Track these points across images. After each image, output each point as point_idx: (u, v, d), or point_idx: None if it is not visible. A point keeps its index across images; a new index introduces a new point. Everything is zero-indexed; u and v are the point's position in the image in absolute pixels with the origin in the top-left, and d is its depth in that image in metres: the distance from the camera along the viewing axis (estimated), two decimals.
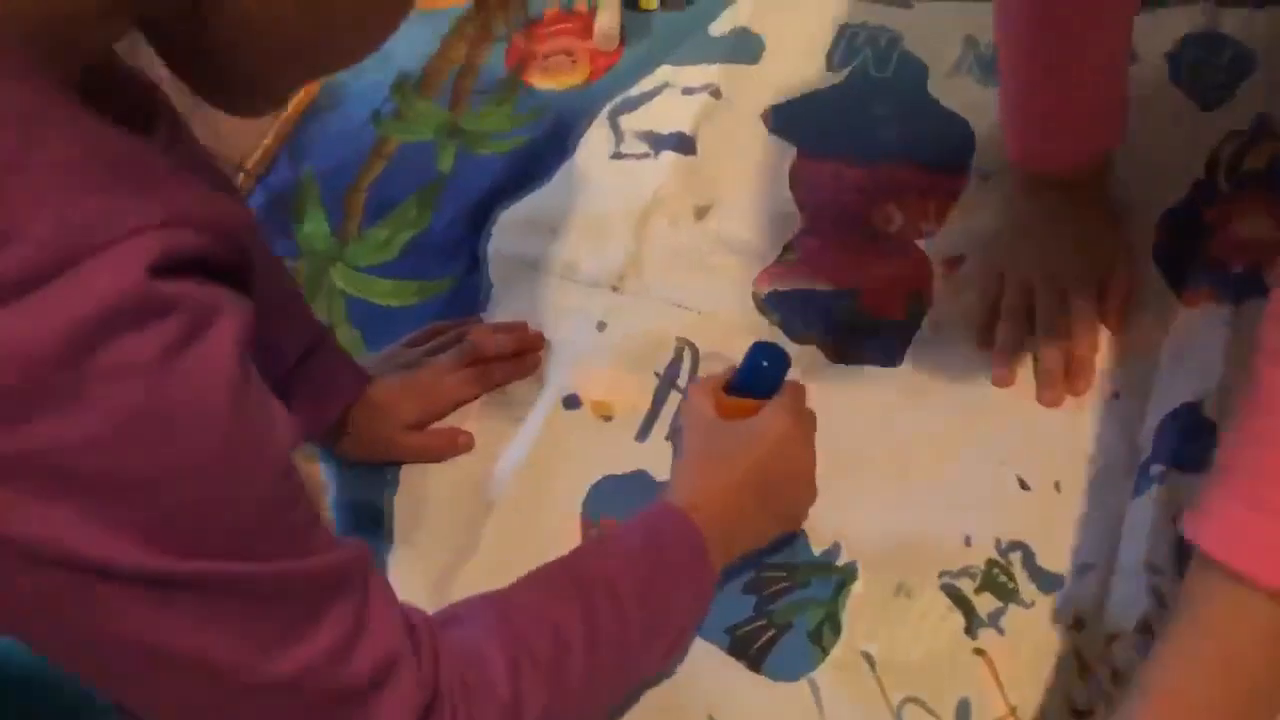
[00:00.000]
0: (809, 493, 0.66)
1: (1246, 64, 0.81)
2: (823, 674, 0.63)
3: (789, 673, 0.63)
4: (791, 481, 0.66)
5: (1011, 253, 0.74)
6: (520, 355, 0.76)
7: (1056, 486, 0.66)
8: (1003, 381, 0.71)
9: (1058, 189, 0.73)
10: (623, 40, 0.94)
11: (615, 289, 0.79)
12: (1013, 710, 0.60)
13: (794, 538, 0.67)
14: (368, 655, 0.44)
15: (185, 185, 0.37)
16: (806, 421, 0.67)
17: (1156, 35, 0.82)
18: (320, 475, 0.75)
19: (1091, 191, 0.74)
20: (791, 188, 0.83)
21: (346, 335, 0.82)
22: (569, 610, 0.55)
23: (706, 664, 0.64)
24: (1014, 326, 0.72)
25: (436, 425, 0.75)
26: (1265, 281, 0.69)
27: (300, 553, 0.41)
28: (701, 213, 0.82)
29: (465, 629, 0.52)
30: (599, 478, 0.72)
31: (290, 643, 0.41)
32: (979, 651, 0.62)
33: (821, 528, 0.67)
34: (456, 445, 0.74)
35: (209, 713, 0.42)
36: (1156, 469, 0.64)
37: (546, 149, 0.89)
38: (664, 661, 0.61)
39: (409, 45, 0.99)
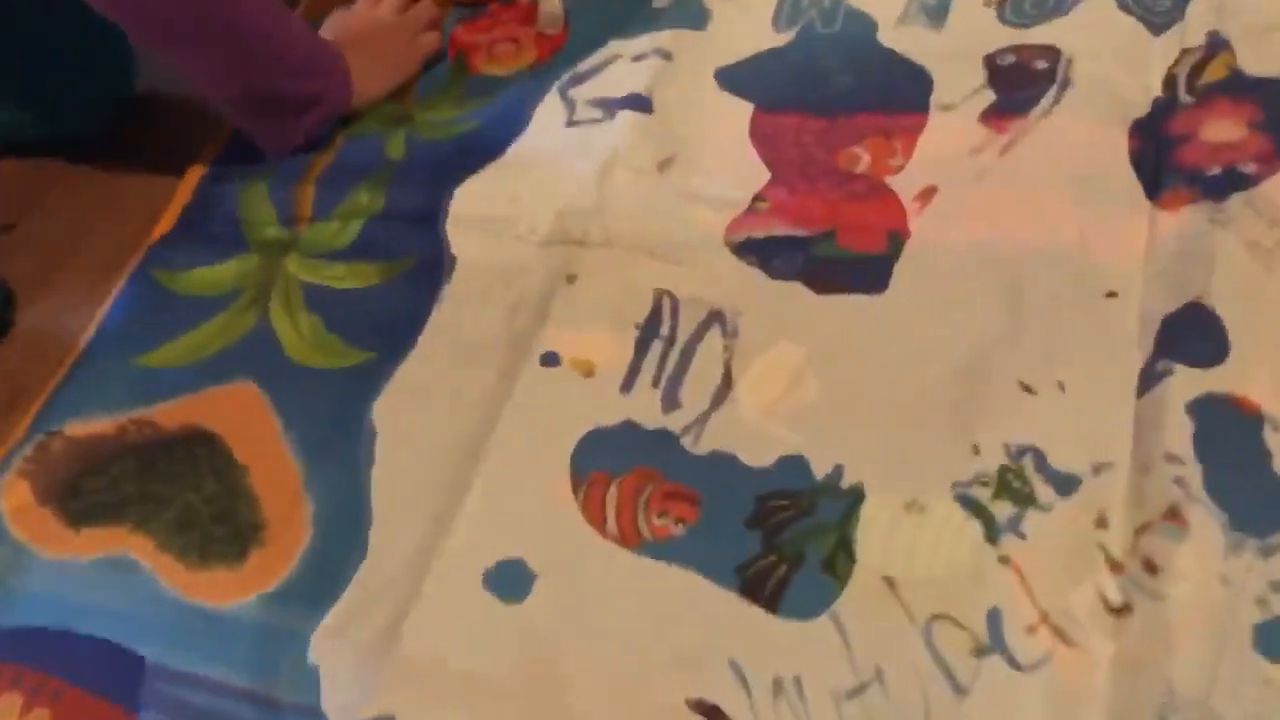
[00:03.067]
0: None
1: None
2: (844, 606, 0.59)
3: (808, 610, 0.60)
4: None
5: None
6: None
7: (1060, 387, 0.64)
8: None
9: None
10: (567, 21, 0.93)
11: (582, 244, 0.76)
12: (1045, 616, 0.57)
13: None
14: None
15: None
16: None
17: None
18: (294, 464, 0.71)
19: None
20: (753, 143, 0.82)
21: (306, 321, 0.78)
22: None
23: (721, 610, 0.60)
24: None
25: None
26: (1244, 174, 0.70)
27: None
28: (664, 166, 0.80)
29: None
30: (585, 432, 0.68)
31: None
32: (1003, 559, 0.59)
33: (821, 453, 0.64)
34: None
35: None
36: (1164, 364, 0.63)
37: (499, 129, 0.87)
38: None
39: None
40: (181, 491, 0.71)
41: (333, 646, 0.62)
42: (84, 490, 0.72)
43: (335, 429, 0.72)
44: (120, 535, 0.70)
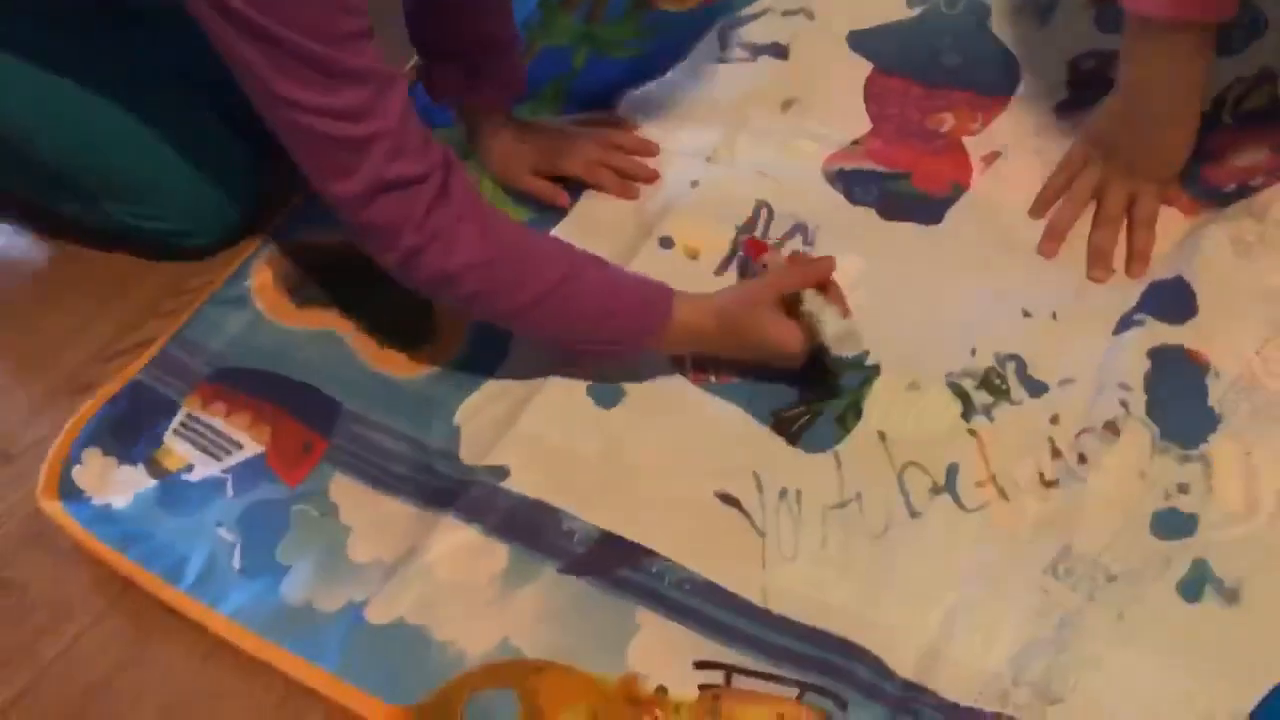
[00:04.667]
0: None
1: (1260, 26, 0.94)
2: (844, 447, 0.79)
3: (818, 446, 0.79)
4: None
5: (1108, 140, 0.85)
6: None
7: (1054, 316, 0.81)
8: (1050, 254, 0.85)
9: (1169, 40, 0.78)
10: None
11: (709, 159, 0.96)
12: (993, 477, 0.75)
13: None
14: (368, 126, 0.70)
15: None
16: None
17: None
18: None
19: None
20: (865, 98, 0.99)
21: (487, 183, 1.00)
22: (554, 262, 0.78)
23: (754, 437, 0.80)
24: (1074, 209, 0.86)
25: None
26: (1251, 186, 0.84)
27: (334, 45, 0.68)
28: (787, 105, 0.99)
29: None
30: None
31: (306, 89, 0.69)
32: (971, 432, 0.77)
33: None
34: (554, 199, 0.96)
35: (262, 101, 0.71)
36: (1140, 316, 0.80)
37: (663, 56, 1.07)
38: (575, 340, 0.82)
39: None
40: (379, 296, 0.94)
41: (472, 415, 0.85)
42: (309, 282, 0.97)
43: None
44: (331, 317, 0.94)
